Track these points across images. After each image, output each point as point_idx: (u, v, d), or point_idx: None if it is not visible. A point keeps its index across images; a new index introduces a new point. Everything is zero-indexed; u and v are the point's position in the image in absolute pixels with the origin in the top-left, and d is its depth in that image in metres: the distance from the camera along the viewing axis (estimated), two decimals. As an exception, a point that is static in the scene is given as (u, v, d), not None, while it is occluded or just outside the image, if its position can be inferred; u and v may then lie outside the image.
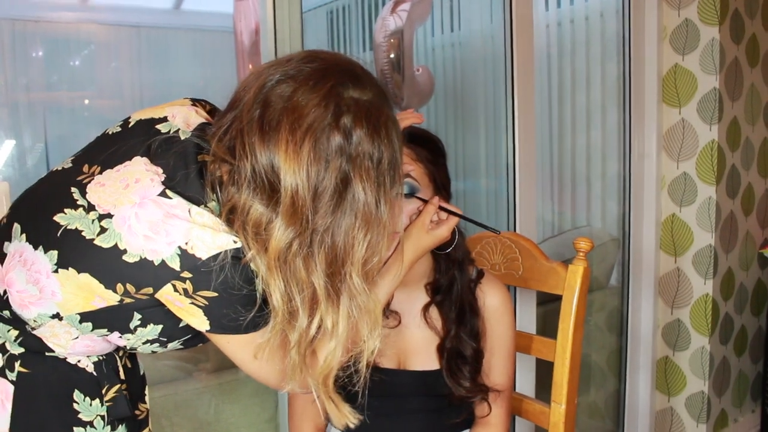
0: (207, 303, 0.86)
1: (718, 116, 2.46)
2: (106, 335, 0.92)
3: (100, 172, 0.89)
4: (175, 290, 0.85)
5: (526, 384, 2.13)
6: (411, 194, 1.18)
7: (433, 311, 1.28)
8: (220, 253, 0.84)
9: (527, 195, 2.18)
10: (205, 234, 0.84)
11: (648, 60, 2.56)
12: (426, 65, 2.22)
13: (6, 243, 0.93)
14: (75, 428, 0.95)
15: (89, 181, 0.89)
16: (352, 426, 1.00)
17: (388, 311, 1.28)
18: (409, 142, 1.20)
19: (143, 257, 0.84)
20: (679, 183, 2.59)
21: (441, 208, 1.15)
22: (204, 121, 0.96)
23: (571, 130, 2.99)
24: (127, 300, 0.87)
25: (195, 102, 1.01)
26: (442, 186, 1.24)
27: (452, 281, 1.27)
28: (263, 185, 0.83)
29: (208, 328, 0.88)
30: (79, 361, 0.96)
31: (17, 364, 0.93)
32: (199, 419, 1.92)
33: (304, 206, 0.82)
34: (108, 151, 0.92)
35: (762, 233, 2.80)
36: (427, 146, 1.22)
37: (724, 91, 2.47)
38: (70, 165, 0.94)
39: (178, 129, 0.93)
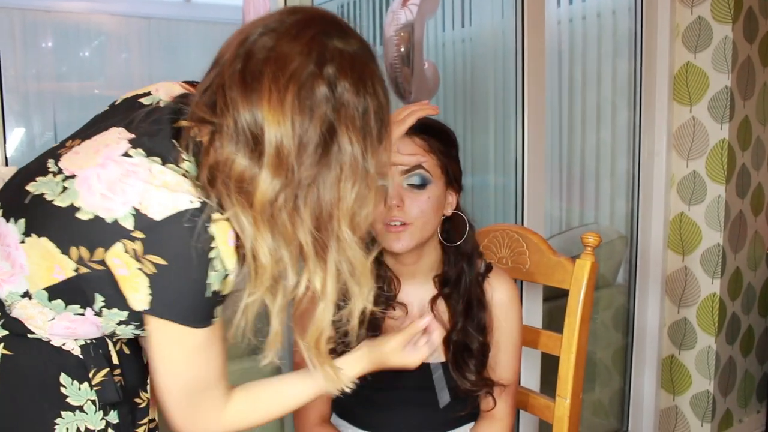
0: (155, 271, 0.81)
1: (730, 115, 2.45)
2: (83, 314, 0.89)
3: (79, 144, 0.89)
4: (125, 251, 0.81)
5: (531, 378, 2.13)
6: (423, 185, 1.18)
7: (441, 304, 1.28)
8: (175, 214, 0.80)
9: (535, 191, 2.18)
10: (160, 194, 0.81)
11: (660, 58, 2.55)
12: (431, 60, 2.21)
13: None
14: (63, 412, 0.92)
15: (66, 152, 0.89)
16: (348, 390, 1.00)
17: (395, 303, 1.28)
18: (422, 132, 1.20)
19: (96, 215, 0.81)
20: (689, 181, 2.58)
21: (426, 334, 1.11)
22: (187, 92, 0.94)
23: (581, 127, 2.98)
24: (83, 270, 0.84)
25: (188, 83, 1.00)
26: (454, 178, 1.24)
27: (460, 274, 1.27)
28: (246, 138, 0.80)
29: (147, 307, 0.83)
30: (64, 344, 0.92)
31: (1, 347, 0.90)
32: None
33: (290, 157, 0.80)
34: (92, 128, 0.92)
35: (771, 233, 2.79)
36: (439, 137, 1.22)
37: (735, 89, 2.46)
38: (57, 144, 0.94)
39: (159, 100, 0.93)
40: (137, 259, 0.81)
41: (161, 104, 0.92)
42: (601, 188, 2.92)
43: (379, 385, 1.26)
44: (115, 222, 0.80)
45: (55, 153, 0.90)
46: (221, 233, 0.82)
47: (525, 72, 2.12)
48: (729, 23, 2.40)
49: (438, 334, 1.11)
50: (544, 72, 2.17)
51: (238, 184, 0.81)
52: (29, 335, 0.91)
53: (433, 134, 1.21)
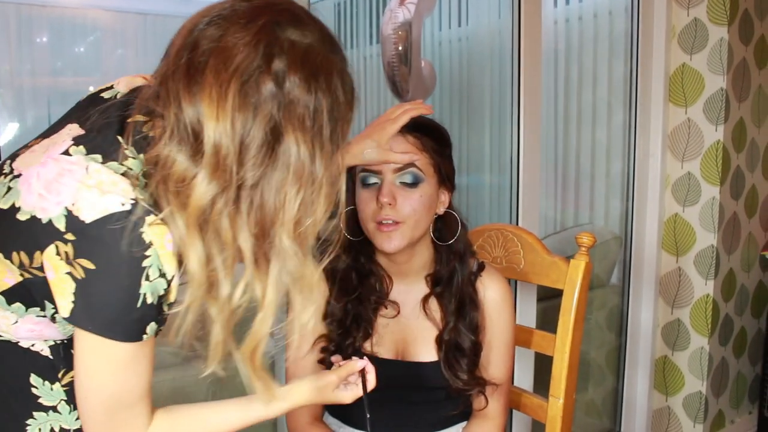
0: (84, 276, 0.76)
1: (725, 117, 2.45)
2: (44, 316, 0.85)
3: (39, 143, 0.86)
4: (57, 253, 0.76)
5: (524, 378, 2.13)
6: (415, 184, 1.18)
7: (433, 303, 1.28)
8: (104, 217, 0.75)
9: (531, 191, 2.18)
10: (91, 195, 0.76)
11: (655, 59, 2.55)
12: (428, 59, 2.21)
13: None
14: (36, 413, 0.89)
15: (24, 152, 0.85)
16: (284, 405, 0.99)
17: (387, 301, 1.28)
18: (415, 131, 1.20)
19: (33, 215, 0.77)
20: (683, 183, 2.58)
21: (361, 374, 1.09)
22: (146, 84, 0.87)
23: (577, 127, 2.98)
24: (27, 276, 0.80)
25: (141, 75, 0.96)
26: (446, 177, 1.24)
27: (453, 273, 1.27)
28: (187, 135, 0.74)
29: (68, 315, 0.78)
30: (33, 345, 0.89)
31: None
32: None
33: (228, 158, 0.74)
34: (54, 126, 0.88)
35: (764, 235, 2.80)
36: (432, 135, 1.22)
37: (731, 91, 2.46)
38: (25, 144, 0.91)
39: (117, 93, 0.88)
40: (68, 263, 0.76)
41: (118, 98, 0.87)
42: (596, 188, 2.93)
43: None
44: (49, 222, 0.76)
45: (16, 154, 0.87)
46: (158, 237, 0.77)
47: (521, 72, 2.12)
48: (725, 25, 2.41)
49: (372, 376, 1.09)
50: (541, 72, 2.17)
51: (177, 184, 0.75)
52: None
53: (427, 133, 1.21)
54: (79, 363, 0.83)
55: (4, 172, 0.84)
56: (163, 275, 0.78)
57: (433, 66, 2.34)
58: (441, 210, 1.26)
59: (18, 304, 0.84)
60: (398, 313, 1.28)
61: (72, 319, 0.78)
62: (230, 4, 0.78)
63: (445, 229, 1.27)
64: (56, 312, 0.81)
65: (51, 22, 3.08)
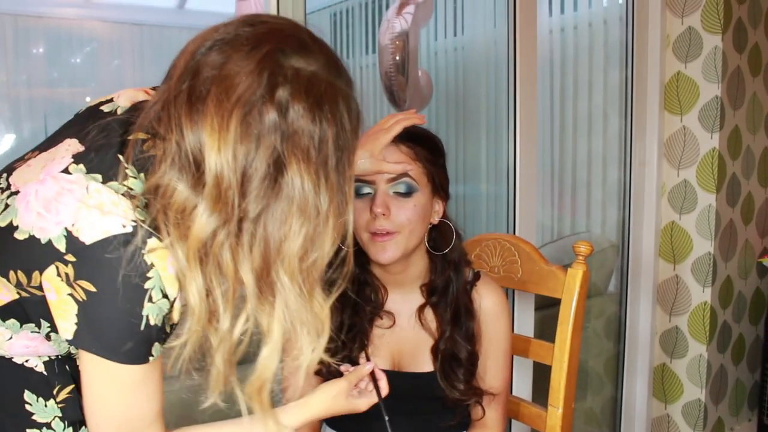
0: (85, 298, 0.75)
1: (720, 124, 2.46)
2: (39, 333, 0.84)
3: (36, 157, 0.83)
4: (58, 274, 0.75)
5: (522, 387, 2.13)
6: (409, 193, 1.18)
7: (428, 313, 1.27)
8: (105, 239, 0.74)
9: (527, 200, 2.18)
10: (91, 216, 0.74)
11: (650, 67, 2.56)
12: (425, 69, 2.22)
13: None
14: (29, 430, 0.87)
15: (21, 166, 0.83)
16: None
17: (382, 312, 1.28)
18: (408, 140, 1.20)
19: (32, 234, 0.76)
20: (680, 190, 2.59)
21: (372, 377, 1.10)
22: (148, 99, 0.86)
23: (573, 136, 2.99)
24: (24, 294, 0.79)
25: (156, 88, 0.94)
26: (440, 186, 1.24)
27: (448, 282, 1.26)
28: (188, 165, 0.73)
29: (70, 337, 0.77)
30: (27, 361, 0.87)
31: None
32: (195, 418, 1.91)
33: (230, 190, 0.72)
34: (51, 139, 0.86)
35: (761, 242, 2.80)
36: (426, 145, 1.22)
37: (725, 99, 2.47)
38: (20, 156, 0.89)
39: (117, 108, 0.86)
40: (69, 284, 0.75)
41: (119, 112, 0.85)
42: (593, 197, 2.93)
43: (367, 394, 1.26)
44: (49, 243, 0.75)
45: (11, 166, 0.85)
46: (160, 260, 0.76)
47: (517, 81, 2.13)
48: (719, 33, 2.42)
49: (385, 383, 1.08)
50: (536, 81, 2.18)
51: (177, 215, 0.74)
52: None
53: (420, 142, 1.21)
54: (87, 387, 0.81)
55: (1, 186, 0.83)
56: (165, 296, 0.77)
57: (429, 75, 2.34)
58: (435, 219, 1.25)
59: (13, 321, 0.83)
60: (394, 323, 1.28)
61: (75, 342, 0.77)
62: (234, 28, 0.77)
63: (440, 239, 1.26)
64: (52, 330, 0.80)
65: (47, 34, 3.09)
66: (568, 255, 1.48)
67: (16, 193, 0.79)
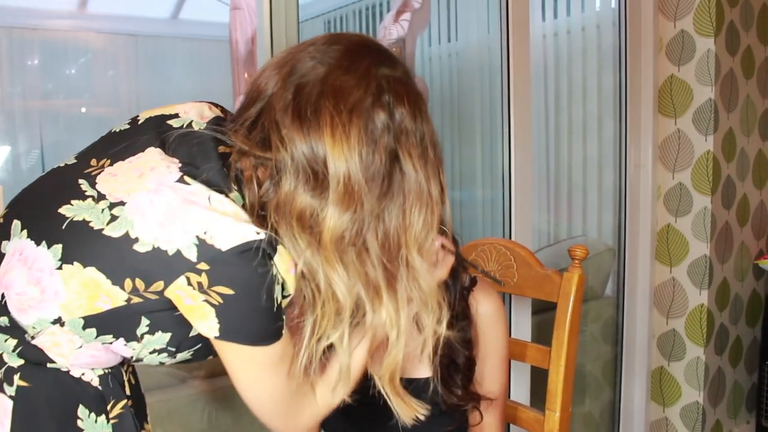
0: (222, 301, 0.79)
1: (714, 127, 2.47)
2: (111, 343, 0.85)
3: (111, 165, 0.85)
4: (189, 284, 0.78)
5: (520, 392, 2.13)
6: None
7: (426, 318, 1.27)
8: (242, 244, 0.78)
9: (523, 204, 2.19)
10: (225, 223, 0.78)
11: (644, 71, 2.57)
12: (421, 75, 2.23)
13: (4, 242, 0.86)
14: None
15: (99, 173, 0.84)
16: (422, 417, 1.01)
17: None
18: None
19: (156, 246, 0.77)
20: (675, 193, 2.59)
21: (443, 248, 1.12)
22: (219, 115, 0.92)
23: (567, 140, 3.00)
24: (135, 300, 0.80)
25: (213, 104, 0.98)
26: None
27: (445, 288, 1.26)
28: (306, 174, 0.79)
29: (218, 334, 0.81)
30: (83, 374, 0.88)
31: (16, 378, 0.85)
32: (192, 427, 1.91)
33: (359, 189, 0.80)
34: (117, 146, 0.87)
35: (757, 244, 2.81)
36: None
37: (719, 102, 2.48)
38: (74, 161, 0.89)
39: (191, 121, 0.89)
40: (203, 292, 0.78)
41: (194, 126, 0.88)
42: (589, 201, 2.94)
43: (366, 399, 1.26)
44: (178, 253, 0.77)
45: (83, 173, 0.85)
46: (283, 263, 0.81)
47: (511, 86, 2.14)
48: (711, 36, 2.43)
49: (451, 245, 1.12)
50: (530, 86, 2.19)
51: (301, 222, 0.80)
52: (48, 365, 0.86)
53: None
54: (241, 379, 0.87)
55: (88, 194, 0.83)
56: (285, 289, 0.83)
57: (425, 81, 2.35)
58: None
59: (92, 330, 0.83)
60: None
61: (222, 337, 0.82)
62: (321, 48, 0.85)
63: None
64: (149, 332, 0.83)
65: (42, 45, 3.10)
66: (564, 259, 1.48)
67: (121, 203, 0.80)
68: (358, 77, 0.82)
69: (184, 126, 0.88)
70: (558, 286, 1.37)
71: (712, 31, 2.43)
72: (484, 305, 1.29)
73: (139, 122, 0.91)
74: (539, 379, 1.49)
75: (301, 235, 0.80)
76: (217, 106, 0.97)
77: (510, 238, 2.17)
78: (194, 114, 0.91)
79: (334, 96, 0.80)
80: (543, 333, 2.05)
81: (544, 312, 2.11)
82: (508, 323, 1.34)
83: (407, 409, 0.95)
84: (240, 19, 2.19)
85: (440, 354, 1.24)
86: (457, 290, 1.27)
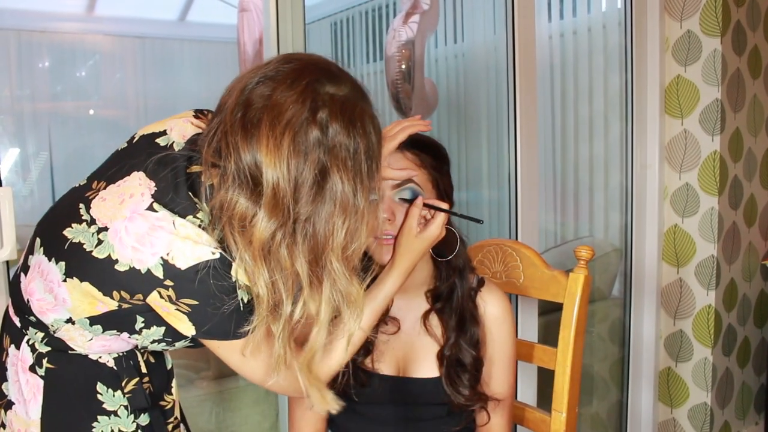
0: (190, 310, 0.92)
1: (720, 127, 2.46)
2: (117, 335, 1.00)
3: (105, 188, 0.97)
4: (161, 297, 0.92)
5: (527, 393, 2.13)
6: (414, 199, 1.18)
7: (433, 318, 1.28)
8: (198, 264, 0.90)
9: (529, 205, 2.19)
10: (185, 246, 0.90)
11: (650, 71, 2.57)
12: (430, 77, 2.23)
13: (30, 256, 1.03)
14: (100, 417, 1.04)
15: (94, 197, 0.97)
16: (334, 412, 1.04)
17: (387, 317, 1.28)
18: (413, 147, 1.20)
19: (132, 266, 0.91)
20: (682, 194, 2.59)
21: (426, 205, 1.17)
22: (198, 131, 1.02)
23: (574, 140, 3.00)
24: (125, 305, 0.95)
25: (199, 113, 1.07)
26: (445, 193, 1.24)
27: (452, 289, 1.27)
28: (246, 181, 0.88)
29: (195, 332, 0.95)
30: (100, 357, 1.04)
31: (45, 361, 1.03)
32: (200, 427, 1.92)
33: (285, 197, 0.87)
34: (114, 167, 0.99)
35: (765, 244, 2.80)
36: (430, 152, 1.23)
37: (726, 102, 2.48)
38: (85, 182, 1.02)
39: (173, 142, 1.00)
40: (172, 303, 0.92)
41: (174, 147, 0.99)
42: (595, 201, 2.93)
43: (373, 400, 1.26)
44: (148, 272, 0.91)
45: (84, 197, 0.98)
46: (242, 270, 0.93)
47: (517, 87, 2.14)
48: (717, 36, 2.43)
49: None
50: (536, 86, 2.19)
51: (240, 222, 0.89)
52: (69, 351, 1.03)
53: (425, 149, 1.22)
54: (229, 363, 1.01)
55: (83, 218, 0.96)
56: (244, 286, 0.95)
57: (434, 83, 2.36)
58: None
59: (98, 326, 0.99)
60: (399, 329, 1.28)
61: (199, 336, 0.96)
62: (274, 66, 0.92)
63: (444, 245, 1.27)
64: (145, 326, 0.98)
65: (51, 48, 3.12)
66: (571, 259, 1.48)
67: (105, 229, 0.93)
68: (297, 94, 0.88)
69: (168, 146, 0.99)
70: (564, 286, 1.38)
71: (718, 31, 2.42)
72: (491, 306, 1.30)
73: (134, 141, 1.04)
74: (547, 379, 1.49)
75: (239, 236, 0.90)
76: (203, 114, 1.07)
77: (516, 238, 2.17)
78: (176, 134, 1.01)
79: (273, 111, 0.88)
80: (550, 334, 2.05)
81: (550, 313, 2.12)
82: (515, 324, 1.35)
83: (321, 401, 1.02)
84: (248, 21, 2.20)
85: (448, 354, 1.25)
86: (465, 291, 1.28)
